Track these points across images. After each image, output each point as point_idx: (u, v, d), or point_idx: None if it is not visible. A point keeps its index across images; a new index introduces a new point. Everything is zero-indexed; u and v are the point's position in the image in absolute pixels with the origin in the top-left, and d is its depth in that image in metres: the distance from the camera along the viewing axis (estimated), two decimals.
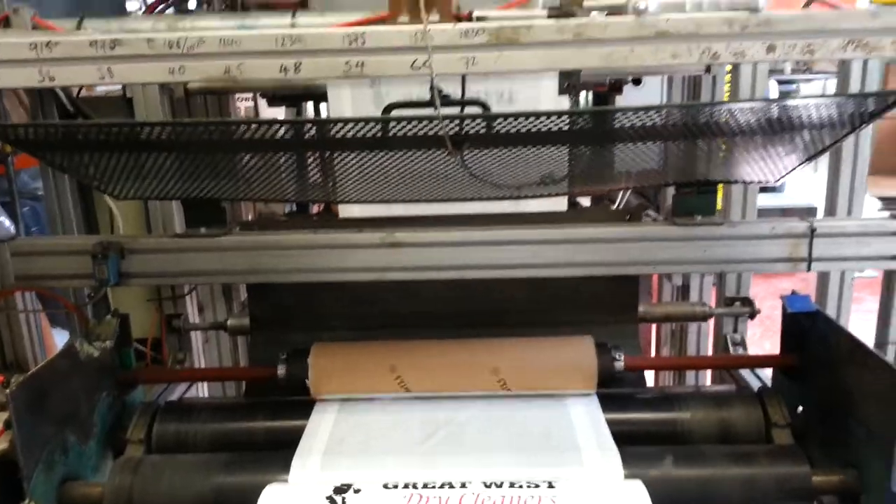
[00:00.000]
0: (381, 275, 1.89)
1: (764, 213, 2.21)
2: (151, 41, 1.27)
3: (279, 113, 3.18)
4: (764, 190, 2.39)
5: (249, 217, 2.77)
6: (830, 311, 2.30)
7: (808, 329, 1.78)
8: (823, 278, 2.25)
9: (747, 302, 2.26)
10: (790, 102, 1.44)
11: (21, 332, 1.93)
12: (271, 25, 1.46)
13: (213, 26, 1.46)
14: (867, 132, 2.11)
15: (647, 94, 2.75)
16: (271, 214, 2.59)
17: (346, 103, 2.01)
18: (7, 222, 3.10)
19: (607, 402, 1.81)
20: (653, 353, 3.16)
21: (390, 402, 1.79)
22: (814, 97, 1.54)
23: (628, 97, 2.64)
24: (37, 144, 1.46)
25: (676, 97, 2.79)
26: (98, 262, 1.81)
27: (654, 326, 3.11)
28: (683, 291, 2.77)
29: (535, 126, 1.43)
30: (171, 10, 2.16)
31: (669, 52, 1.28)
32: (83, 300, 2.08)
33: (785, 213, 5.72)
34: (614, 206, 2.61)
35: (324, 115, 2.83)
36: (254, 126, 1.33)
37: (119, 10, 2.27)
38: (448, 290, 1.97)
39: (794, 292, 1.88)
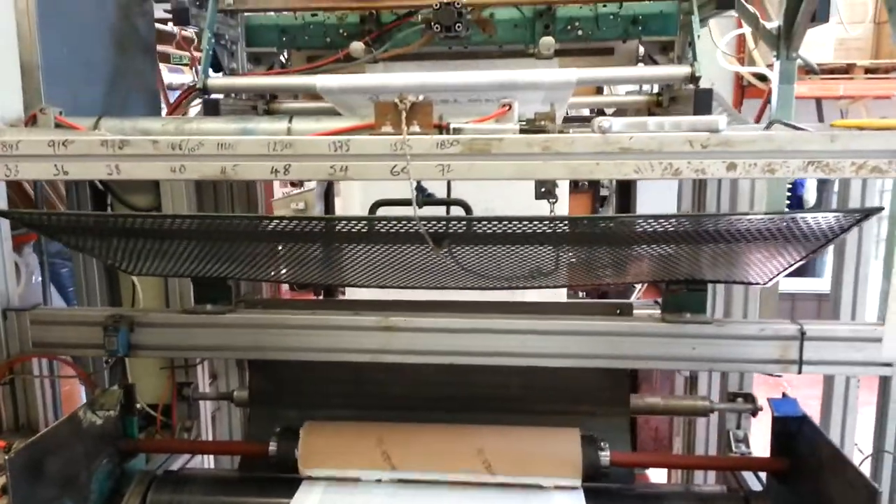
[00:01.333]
0: (375, 357, 1.95)
1: (802, 297, 2.21)
2: (156, 142, 1.40)
3: None
4: (800, 274, 2.39)
5: (264, 294, 2.87)
6: (837, 411, 2.27)
7: (796, 433, 1.77)
8: (829, 377, 2.22)
9: (749, 398, 2.24)
10: (783, 216, 1.48)
11: (35, 396, 2.05)
12: (268, 131, 1.59)
13: (216, 129, 1.59)
14: (871, 230, 2.12)
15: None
16: (277, 293, 2.69)
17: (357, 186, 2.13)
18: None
19: (594, 497, 1.81)
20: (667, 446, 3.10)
21: (375, 486, 1.83)
22: (813, 212, 1.57)
23: None
24: (52, 229, 1.59)
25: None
26: (109, 334, 1.92)
27: (669, 418, 3.07)
28: (692, 384, 2.75)
29: (512, 228, 1.50)
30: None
31: (632, 167, 1.34)
32: (101, 368, 2.19)
33: (821, 298, 5.62)
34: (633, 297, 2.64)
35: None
36: (258, 220, 1.44)
37: (153, 101, 2.45)
38: (442, 373, 2.02)
39: (784, 395, 1.88)
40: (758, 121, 8.42)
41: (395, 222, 1.43)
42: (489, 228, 1.48)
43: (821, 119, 8.83)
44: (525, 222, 1.43)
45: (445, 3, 2.21)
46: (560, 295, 2.22)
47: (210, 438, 2.60)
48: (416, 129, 1.41)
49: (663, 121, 1.37)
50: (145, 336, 1.97)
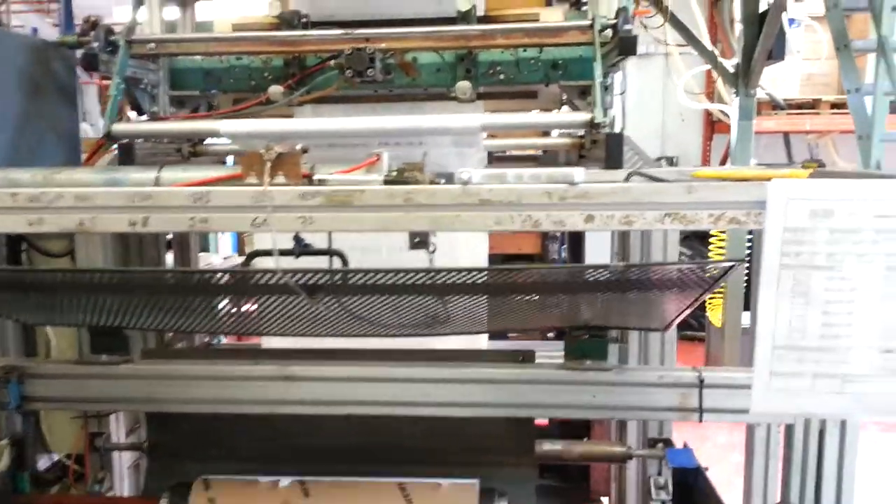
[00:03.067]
0: (273, 408, 1.91)
1: None
2: (15, 195, 1.38)
3: None
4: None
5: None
6: (759, 459, 2.23)
7: (693, 485, 1.73)
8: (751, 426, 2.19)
9: (669, 444, 2.20)
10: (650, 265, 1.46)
11: None
12: (136, 181, 1.57)
13: (84, 180, 1.58)
14: None
15: None
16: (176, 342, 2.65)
17: None
18: None
19: None
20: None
21: None
22: (673, 264, 1.57)
23: None
24: None
25: None
26: (0, 386, 1.88)
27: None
28: (621, 428, 2.71)
29: (386, 280, 1.47)
30: None
31: (493, 218, 1.33)
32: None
33: None
34: None
35: None
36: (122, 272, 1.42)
37: (72, 149, 2.43)
38: (344, 424, 1.98)
39: (685, 444, 1.84)
40: (725, 156, 8.46)
41: (263, 274, 1.40)
42: (361, 280, 1.46)
43: (789, 154, 8.93)
44: (391, 274, 1.41)
45: (357, 48, 2.21)
46: (480, 342, 2.19)
47: (129, 488, 2.54)
48: (282, 179, 1.40)
49: (523, 172, 1.36)
50: (38, 387, 1.93)
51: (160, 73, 2.52)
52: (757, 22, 5.45)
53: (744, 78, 5.80)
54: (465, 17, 2.48)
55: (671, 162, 9.88)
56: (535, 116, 2.06)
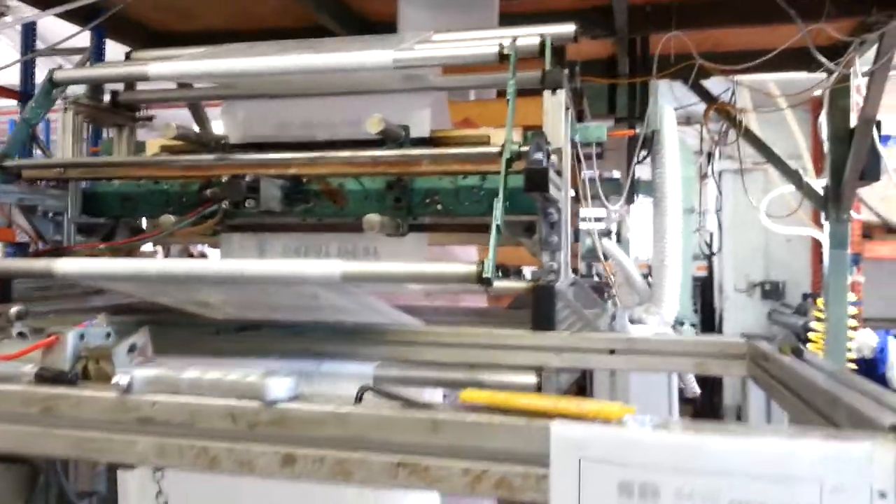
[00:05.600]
0: None
1: None
2: None
3: None
4: None
5: None
6: None
7: None
8: None
9: None
10: None
11: None
12: None
13: None
14: None
15: None
16: None
17: None
18: None
19: None
20: None
21: None
22: None
23: None
24: None
25: None
26: None
27: None
28: None
29: None
30: None
31: (153, 449, 0.90)
32: None
33: None
34: None
35: None
36: None
37: None
38: None
39: None
40: (816, 288, 7.51)
41: None
42: None
43: None
44: None
45: (233, 175, 1.89)
46: None
47: None
48: None
49: (202, 378, 0.92)
50: None
51: (68, 199, 2.30)
52: (847, 139, 4.80)
53: (834, 201, 5.07)
54: (396, 140, 2.12)
55: (777, 288, 8.94)
56: (404, 266, 1.63)
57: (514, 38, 1.95)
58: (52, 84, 2.15)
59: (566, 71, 2.05)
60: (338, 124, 2.25)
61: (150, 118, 2.40)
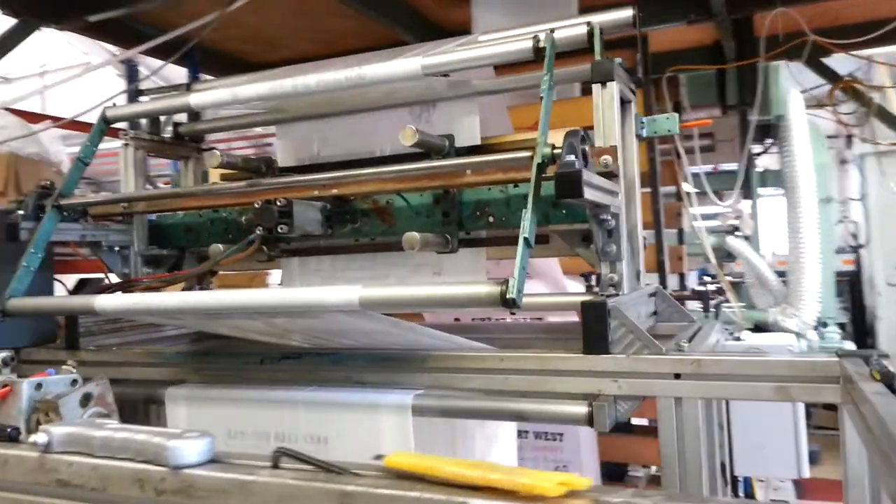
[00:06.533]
0: None
1: None
2: None
3: None
4: None
5: None
6: None
7: None
8: None
9: None
10: None
11: None
12: None
13: None
14: None
15: None
16: None
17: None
18: None
19: None
20: None
21: None
22: None
23: None
24: None
25: None
26: None
27: None
28: None
29: None
30: None
31: None
32: None
33: None
34: None
35: None
36: None
37: None
38: None
39: None
40: None
41: None
42: None
43: None
44: None
45: (266, 201, 1.82)
46: None
47: None
48: None
49: (114, 437, 0.82)
50: None
51: (133, 233, 2.34)
52: None
53: None
54: (440, 151, 1.99)
55: None
56: (426, 289, 1.48)
57: (552, 30, 1.77)
58: (106, 122, 2.19)
59: (619, 61, 1.84)
60: (383, 140, 2.15)
61: (210, 149, 2.40)
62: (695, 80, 5.60)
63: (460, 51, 1.81)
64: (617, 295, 1.73)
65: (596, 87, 1.80)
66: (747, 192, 4.46)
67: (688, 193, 3.56)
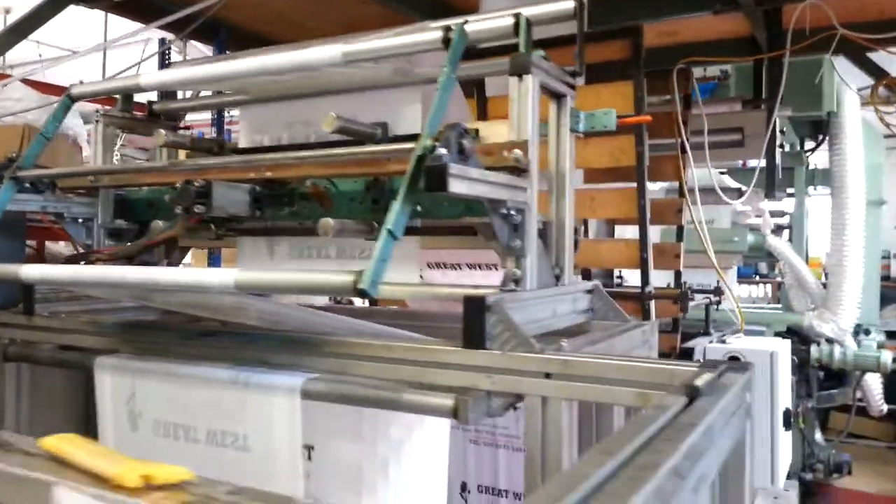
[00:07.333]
0: None
1: None
2: None
3: None
4: None
5: None
6: None
7: None
8: None
9: None
10: None
11: None
12: None
13: None
14: None
15: None
16: None
17: None
18: None
19: None
20: None
21: None
22: None
23: None
24: None
25: None
26: None
27: None
28: None
29: None
30: None
31: None
32: None
33: None
34: None
35: None
36: None
37: None
38: None
39: None
40: None
41: None
42: None
43: None
44: None
45: (186, 181, 1.87)
46: None
47: None
48: None
49: None
50: None
51: (97, 206, 2.44)
52: None
53: None
54: (371, 139, 2.00)
55: None
56: (288, 276, 1.49)
57: (465, 21, 1.75)
58: (71, 99, 2.29)
59: (542, 54, 1.80)
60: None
61: (187, 128, 2.48)
62: (741, 71, 5.41)
63: (377, 39, 1.81)
64: (515, 291, 1.70)
65: (513, 80, 1.77)
66: (770, 192, 4.26)
67: (691, 189, 3.45)
